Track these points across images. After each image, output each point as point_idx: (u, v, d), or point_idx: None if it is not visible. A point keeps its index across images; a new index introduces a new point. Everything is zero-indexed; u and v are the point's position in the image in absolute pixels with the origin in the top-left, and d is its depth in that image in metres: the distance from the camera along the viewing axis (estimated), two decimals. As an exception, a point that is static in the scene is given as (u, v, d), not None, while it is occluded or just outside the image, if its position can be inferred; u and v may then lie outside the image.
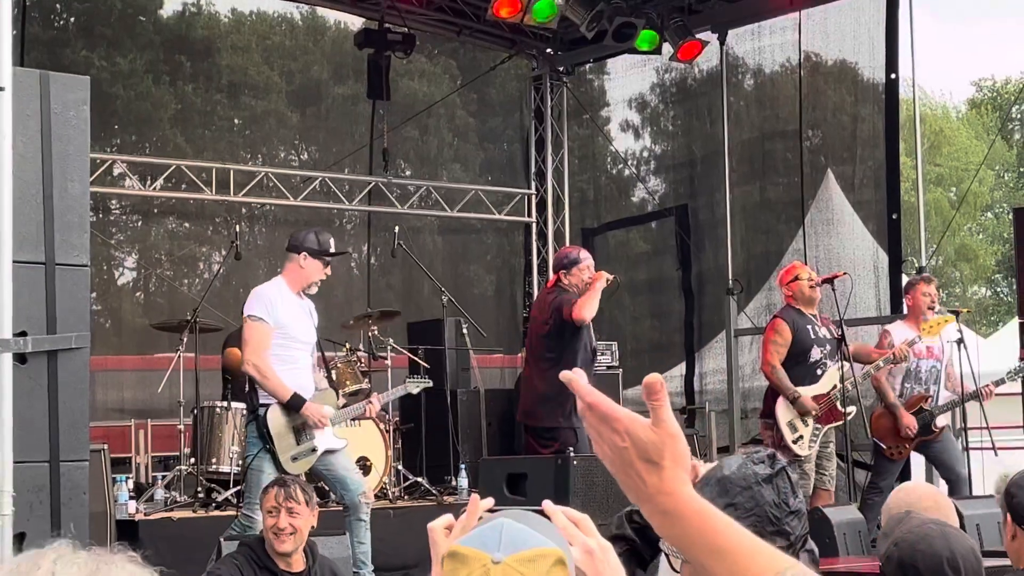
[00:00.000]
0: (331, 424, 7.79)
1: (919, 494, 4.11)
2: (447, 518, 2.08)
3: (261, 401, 7.65)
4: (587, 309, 8.44)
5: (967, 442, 10.18)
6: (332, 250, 7.84)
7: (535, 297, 14.57)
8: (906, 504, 3.91)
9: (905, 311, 9.89)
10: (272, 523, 6.01)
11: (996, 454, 9.38)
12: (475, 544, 1.89)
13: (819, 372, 9.16)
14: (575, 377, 1.92)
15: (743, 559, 1.84)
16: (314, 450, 7.72)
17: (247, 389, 7.88)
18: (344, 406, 8.29)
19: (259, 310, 7.59)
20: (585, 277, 8.68)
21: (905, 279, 11.34)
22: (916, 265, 11.54)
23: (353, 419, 8.52)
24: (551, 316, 8.63)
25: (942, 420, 9.62)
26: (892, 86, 11.96)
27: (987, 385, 9.54)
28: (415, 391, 9.57)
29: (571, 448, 7.34)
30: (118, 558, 1.78)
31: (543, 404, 8.51)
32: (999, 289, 41.46)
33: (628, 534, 3.68)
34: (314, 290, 7.81)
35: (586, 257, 8.87)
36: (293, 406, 7.56)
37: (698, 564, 1.88)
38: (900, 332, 9.56)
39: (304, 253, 7.71)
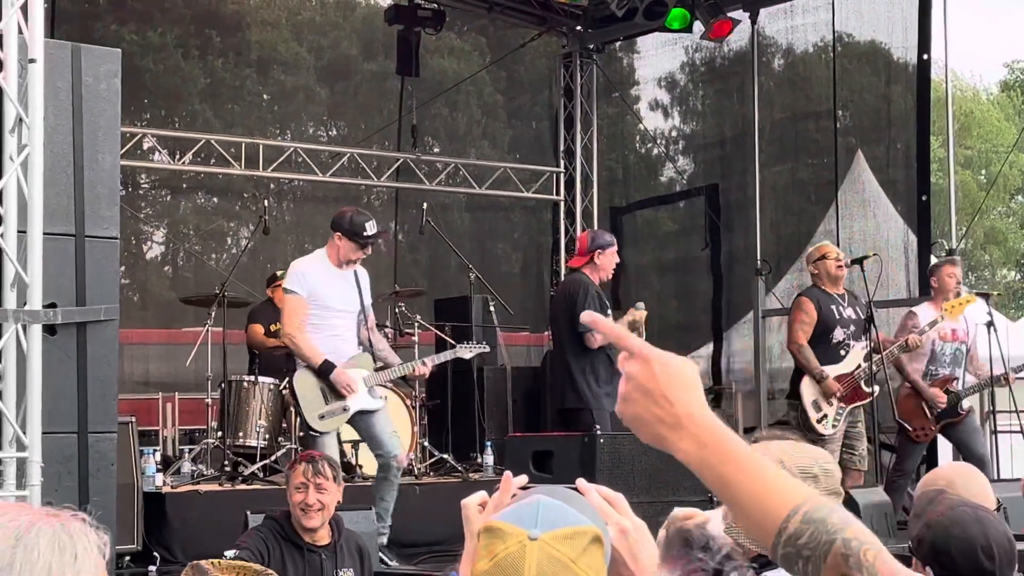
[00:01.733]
0: (365, 386, 8.04)
1: (962, 472, 4.04)
2: (481, 495, 2.07)
3: (295, 368, 8.07)
4: (602, 339, 8.42)
5: (995, 425, 10.15)
6: (366, 233, 8.02)
7: (562, 277, 14.57)
8: (938, 484, 3.85)
9: (932, 293, 9.82)
10: (300, 499, 6.02)
11: (1025, 437, 9.33)
12: (512, 520, 1.89)
13: (842, 353, 9.12)
14: (597, 318, 1.92)
15: (758, 495, 1.83)
16: (345, 409, 8.02)
17: (223, 380, 8.54)
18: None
19: (292, 283, 7.99)
20: (613, 263, 8.75)
21: (934, 260, 11.29)
22: (946, 247, 11.47)
23: (401, 377, 8.69)
24: (569, 308, 8.62)
25: (967, 403, 9.57)
26: (924, 67, 11.87)
27: (1005, 373, 9.50)
28: (467, 356, 9.67)
29: (598, 427, 7.33)
30: (51, 525, 1.74)
31: (571, 385, 8.50)
32: (1028, 272, 41.20)
33: None
34: (352, 266, 8.09)
35: (615, 243, 8.92)
36: (323, 372, 7.90)
37: (722, 498, 1.86)
38: (926, 314, 9.51)
39: (338, 233, 8.03)
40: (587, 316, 1.91)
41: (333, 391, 7.98)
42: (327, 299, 8.00)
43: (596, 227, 14.73)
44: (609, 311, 8.77)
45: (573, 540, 1.86)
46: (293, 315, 7.92)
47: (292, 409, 8.21)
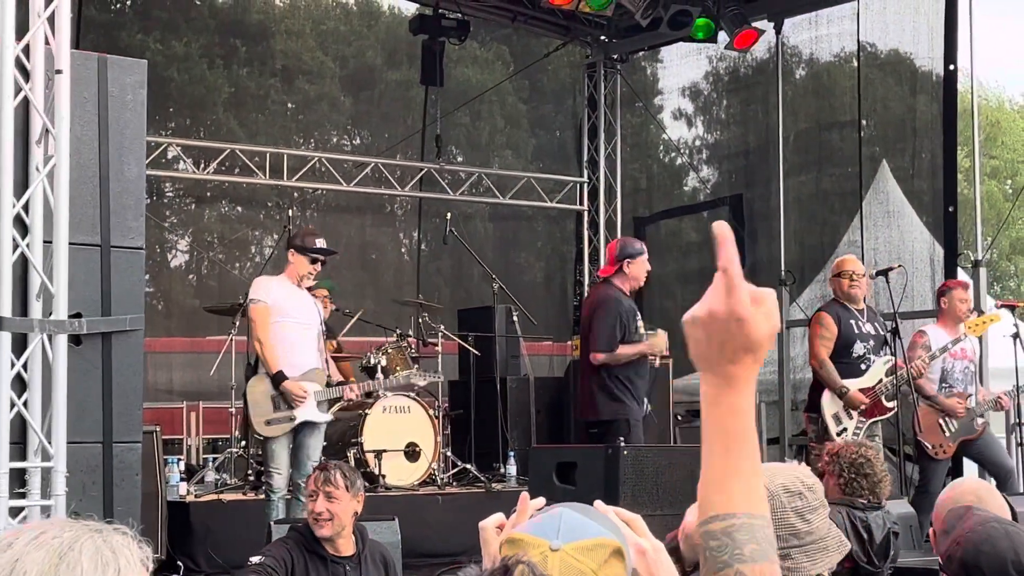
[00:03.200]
0: (315, 400, 8.50)
1: (981, 490, 4.03)
2: (498, 517, 2.07)
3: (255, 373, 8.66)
4: (615, 359, 8.47)
5: (1021, 438, 10.07)
6: (315, 246, 8.57)
7: (587, 288, 14.56)
8: (965, 499, 3.83)
9: (939, 313, 9.72)
10: (312, 507, 6.00)
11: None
12: (534, 531, 1.92)
13: (863, 367, 9.06)
14: (724, 232, 1.91)
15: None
16: (292, 419, 8.43)
17: (246, 365, 9.06)
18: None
19: (258, 294, 8.55)
20: (644, 271, 8.63)
21: (960, 272, 11.22)
22: (972, 258, 11.40)
23: (335, 399, 8.99)
24: (589, 322, 8.64)
25: (981, 419, 9.52)
26: (951, 77, 11.81)
27: (1001, 398, 9.49)
28: (421, 383, 10.15)
29: (622, 439, 7.30)
30: (94, 541, 1.74)
31: (596, 397, 8.49)
32: (1054, 283, 40.97)
33: None
34: (307, 283, 8.62)
35: (645, 249, 8.81)
36: (276, 380, 8.40)
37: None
38: (935, 334, 9.45)
39: (291, 250, 8.62)
40: (718, 227, 1.89)
41: (284, 400, 8.40)
42: (288, 310, 8.49)
43: (620, 237, 14.71)
44: (639, 320, 8.70)
45: (594, 552, 1.89)
46: (263, 323, 8.46)
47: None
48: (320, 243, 8.58)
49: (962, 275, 11.06)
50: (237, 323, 10.40)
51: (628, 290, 8.63)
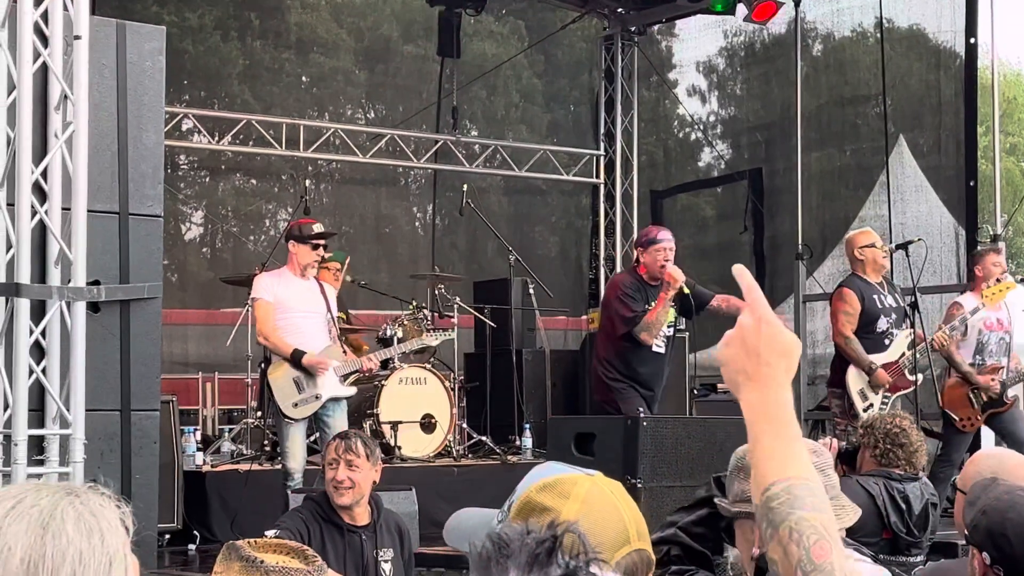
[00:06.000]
0: (336, 375, 8.53)
1: (1011, 461, 4.00)
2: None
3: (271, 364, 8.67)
4: (652, 329, 8.33)
5: (1038, 416, 10.04)
6: (312, 232, 8.59)
7: (603, 260, 14.54)
8: (991, 470, 3.81)
9: (974, 281, 9.70)
10: (331, 475, 5.98)
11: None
12: (563, 471, 2.07)
13: (887, 342, 9.01)
14: (746, 278, 2.12)
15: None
16: (318, 397, 8.44)
17: (261, 361, 9.06)
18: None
19: (260, 292, 8.58)
20: (660, 259, 8.43)
21: (979, 247, 11.17)
22: (991, 233, 11.35)
23: (353, 372, 8.95)
24: (608, 302, 8.61)
25: (1013, 392, 9.47)
26: (971, 52, 11.73)
27: None
28: (434, 343, 10.20)
29: (641, 410, 7.29)
30: (74, 507, 1.69)
31: (606, 382, 8.47)
32: (1070, 261, 40.83)
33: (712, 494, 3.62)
34: (312, 271, 8.65)
35: (664, 239, 8.55)
36: (295, 359, 8.38)
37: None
38: (969, 303, 9.40)
39: (292, 241, 8.62)
40: (737, 271, 2.12)
41: (306, 379, 8.42)
42: (291, 301, 8.52)
43: (636, 210, 14.69)
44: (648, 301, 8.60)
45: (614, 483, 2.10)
46: (266, 318, 8.51)
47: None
48: (317, 227, 8.62)
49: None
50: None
51: (648, 277, 8.47)
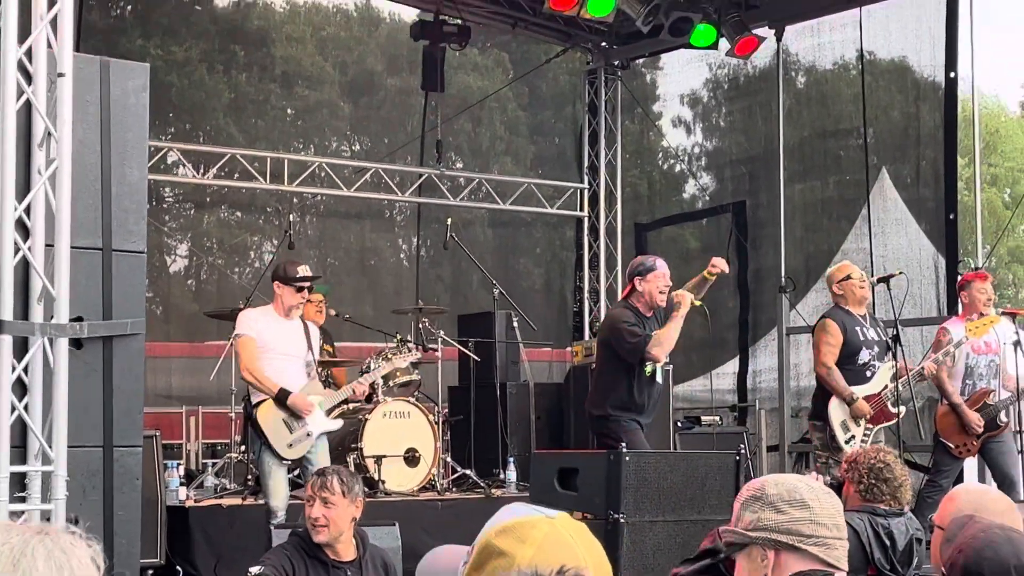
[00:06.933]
0: (321, 409, 8.64)
1: (990, 497, 4.02)
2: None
3: (254, 402, 8.55)
4: (665, 345, 8.19)
5: (1022, 445, 10.06)
6: (297, 275, 8.59)
7: (587, 293, 14.57)
8: (970, 506, 3.82)
9: (960, 309, 9.75)
10: (307, 512, 5.98)
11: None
12: (525, 513, 2.11)
13: (868, 374, 9.03)
14: None
15: None
16: (309, 434, 8.52)
17: (244, 396, 8.99)
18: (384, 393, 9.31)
19: (244, 328, 8.58)
20: (660, 286, 8.34)
21: (960, 277, 11.22)
22: (972, 266, 11.41)
23: (344, 402, 9.21)
24: (609, 336, 8.45)
25: (1005, 415, 9.52)
26: (951, 85, 11.84)
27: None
28: (404, 364, 10.31)
29: (623, 443, 7.28)
30: (45, 545, 1.71)
31: (607, 415, 8.44)
32: (1053, 292, 40.96)
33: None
34: (296, 313, 8.65)
35: (662, 266, 8.48)
36: (280, 399, 8.43)
37: None
38: (957, 330, 9.45)
39: (276, 282, 8.65)
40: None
41: (294, 419, 8.47)
42: (273, 342, 8.53)
43: (620, 242, 14.75)
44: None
45: (575, 521, 2.15)
46: (250, 355, 8.50)
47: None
48: (303, 271, 8.62)
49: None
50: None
51: (644, 308, 8.38)
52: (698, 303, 8.36)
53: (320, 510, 5.91)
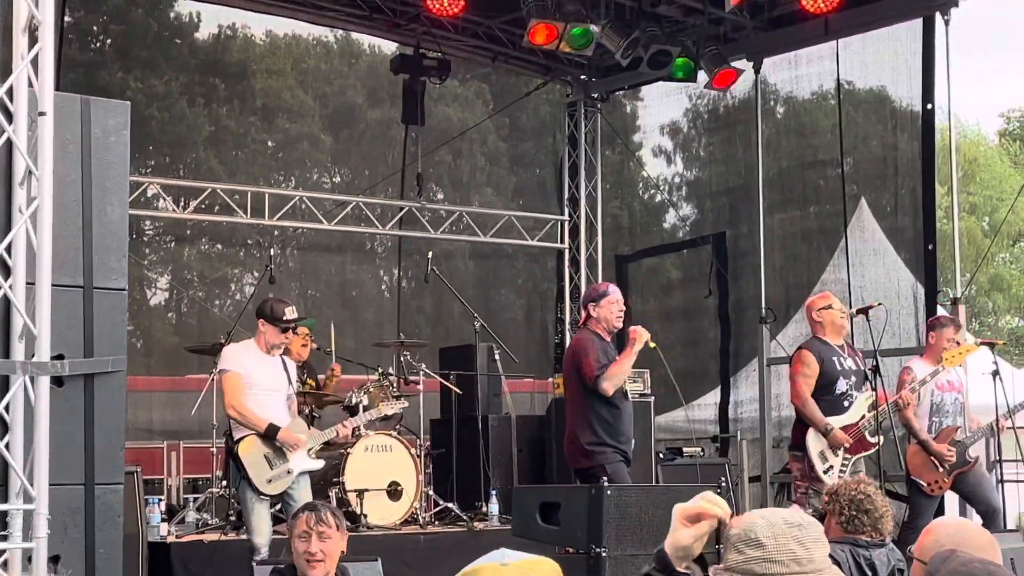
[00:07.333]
0: (305, 448, 8.66)
1: (970, 530, 4.03)
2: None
3: (236, 437, 8.60)
4: (615, 380, 8.47)
5: (1002, 475, 10.10)
6: (285, 318, 8.65)
7: (568, 325, 14.60)
8: (951, 540, 3.83)
9: (926, 349, 9.76)
10: (304, 548, 5.95)
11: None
12: (483, 561, 2.29)
13: (846, 404, 9.05)
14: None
15: None
16: (289, 472, 8.55)
17: (226, 431, 8.99)
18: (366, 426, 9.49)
19: (228, 363, 8.65)
20: (615, 311, 8.68)
21: (940, 309, 11.26)
22: (951, 296, 11.46)
23: (326, 442, 9.17)
24: (572, 365, 8.69)
25: (974, 450, 9.54)
26: (928, 116, 11.92)
27: (997, 418, 9.54)
28: (390, 412, 10.29)
29: (605, 479, 7.29)
30: None
31: (587, 449, 8.54)
32: (1033, 320, 41.13)
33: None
34: (277, 352, 8.71)
35: (615, 291, 8.87)
36: (269, 434, 8.49)
37: None
38: (921, 369, 9.48)
39: (261, 320, 8.69)
40: None
41: (276, 455, 8.52)
42: (257, 377, 8.60)
43: (601, 274, 14.81)
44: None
45: (539, 564, 2.31)
46: (235, 390, 8.54)
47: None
48: (290, 313, 8.68)
49: (942, 312, 11.10)
50: (218, 362, 10.38)
51: (603, 332, 8.71)
52: (652, 345, 8.61)
53: (317, 545, 5.89)
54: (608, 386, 8.43)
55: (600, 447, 8.45)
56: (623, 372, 8.51)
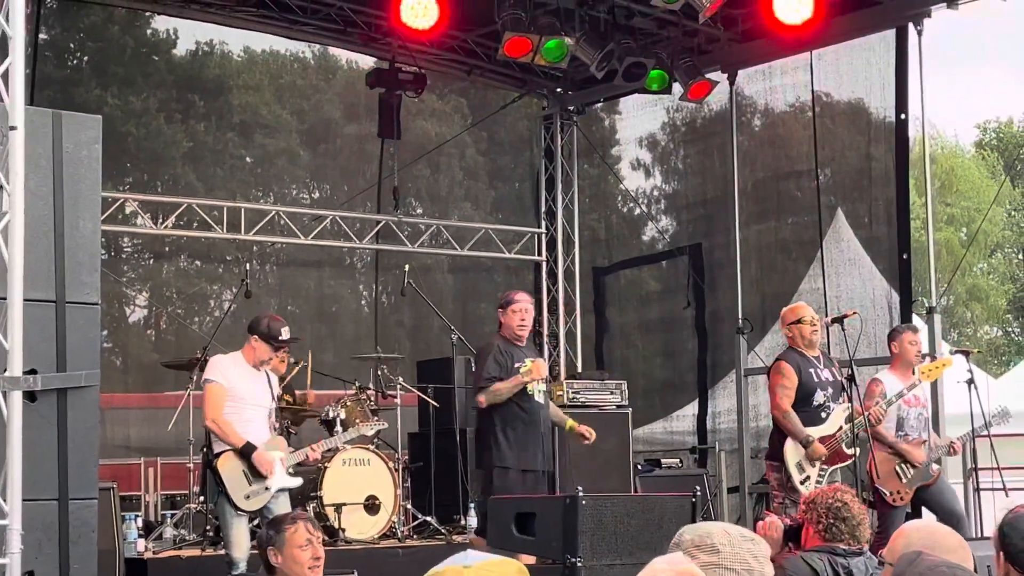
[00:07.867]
0: (282, 466, 8.62)
1: (940, 532, 4.04)
2: None
3: (216, 452, 8.52)
4: (491, 397, 8.77)
5: (978, 483, 10.12)
6: (280, 338, 8.65)
7: (545, 337, 14.61)
8: (920, 542, 3.84)
9: (891, 359, 9.78)
10: (310, 555, 6.08)
11: (1007, 495, 9.31)
12: (447, 564, 2.31)
13: (823, 415, 9.07)
14: None
15: None
16: (267, 488, 8.51)
17: (204, 444, 9.02)
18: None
19: (214, 375, 8.55)
20: (516, 320, 8.97)
21: (916, 319, 11.30)
22: (927, 305, 11.50)
23: (298, 464, 9.06)
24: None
25: (936, 465, 9.57)
26: (902, 126, 11.98)
27: (953, 443, 9.58)
28: (369, 433, 10.31)
29: (580, 488, 7.29)
30: None
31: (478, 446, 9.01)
32: (1010, 329, 41.34)
33: None
34: (266, 367, 8.72)
35: (521, 299, 9.11)
36: (245, 453, 8.43)
37: None
38: (889, 381, 9.50)
39: (255, 336, 8.60)
40: None
41: (254, 472, 8.44)
42: (243, 392, 8.55)
43: (578, 286, 14.84)
44: (521, 363, 8.88)
45: (502, 566, 2.29)
46: (216, 402, 8.47)
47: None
48: (285, 333, 8.65)
49: (917, 321, 11.14)
50: (195, 378, 10.36)
51: (512, 338, 8.99)
52: (568, 425, 9.14)
53: (320, 549, 6.13)
54: (483, 399, 8.78)
55: (485, 452, 8.87)
56: (501, 395, 8.76)
